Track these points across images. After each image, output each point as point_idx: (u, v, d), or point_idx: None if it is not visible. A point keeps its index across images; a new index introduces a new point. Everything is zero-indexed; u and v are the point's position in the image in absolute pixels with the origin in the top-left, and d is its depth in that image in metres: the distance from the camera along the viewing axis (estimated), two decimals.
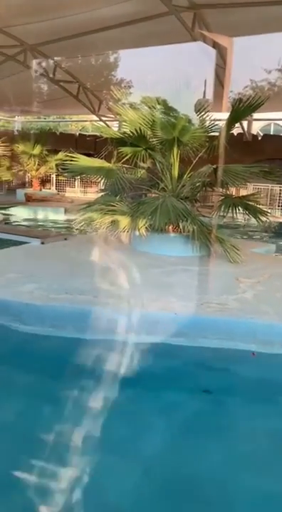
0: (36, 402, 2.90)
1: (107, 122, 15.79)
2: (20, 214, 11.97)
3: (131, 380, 3.10)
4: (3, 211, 11.29)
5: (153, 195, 6.53)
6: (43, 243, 6.86)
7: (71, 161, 6.91)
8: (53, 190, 16.58)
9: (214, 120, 6.59)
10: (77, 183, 16.52)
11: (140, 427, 2.71)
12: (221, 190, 6.63)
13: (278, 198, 12.91)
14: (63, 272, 4.96)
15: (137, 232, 5.95)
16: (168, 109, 6.41)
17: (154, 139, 6.45)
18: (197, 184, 6.50)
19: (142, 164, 6.72)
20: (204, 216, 6.40)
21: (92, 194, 13.31)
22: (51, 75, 14.25)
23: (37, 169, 15.72)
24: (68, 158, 7.06)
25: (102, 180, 7.12)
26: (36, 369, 3.35)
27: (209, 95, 9.35)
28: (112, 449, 2.43)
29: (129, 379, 3.10)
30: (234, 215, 6.30)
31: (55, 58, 13.73)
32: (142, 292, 4.24)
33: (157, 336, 3.69)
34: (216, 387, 3.23)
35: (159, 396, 3.11)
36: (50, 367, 3.33)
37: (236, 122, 6.72)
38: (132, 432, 2.63)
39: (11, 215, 11.70)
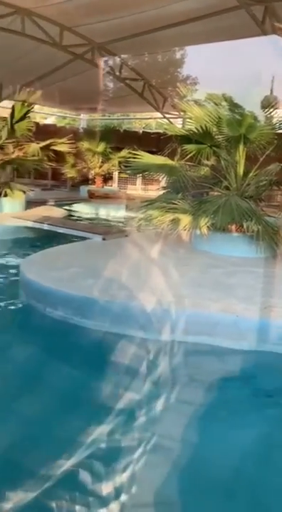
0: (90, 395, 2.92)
1: (170, 119, 15.72)
2: (83, 210, 12.24)
3: (188, 383, 3.04)
4: (66, 207, 11.59)
5: (216, 193, 6.40)
6: (104, 239, 6.96)
7: (134, 158, 6.94)
8: (115, 187, 16.80)
9: None
10: (138, 180, 16.62)
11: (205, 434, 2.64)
12: None
13: None
14: (123, 269, 4.98)
15: (198, 231, 5.85)
16: (233, 106, 6.23)
17: (219, 136, 6.31)
18: (263, 183, 6.28)
19: (205, 162, 6.60)
20: (269, 216, 6.17)
21: (153, 192, 13.32)
22: (117, 73, 14.40)
23: (100, 166, 15.98)
24: (131, 155, 7.10)
25: (165, 178, 7.10)
26: (96, 364, 3.38)
27: (278, 91, 8.99)
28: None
29: (185, 381, 3.04)
30: None
31: (122, 56, 13.86)
32: (202, 292, 4.16)
33: (216, 337, 3.60)
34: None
35: (218, 399, 3.03)
36: (109, 363, 3.34)
37: None
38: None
39: (74, 211, 11.99)
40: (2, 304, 4.65)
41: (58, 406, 2.71)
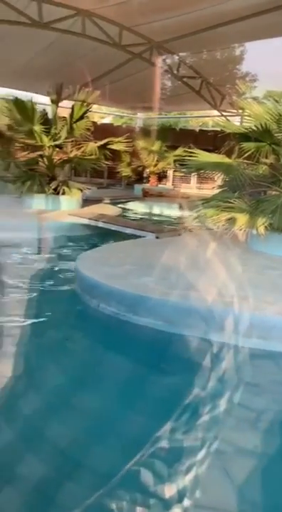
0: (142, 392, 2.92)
1: (227, 117, 15.46)
2: (137, 208, 12.32)
3: (245, 387, 2.97)
4: (121, 205, 11.72)
5: (274, 192, 6.21)
6: (157, 237, 6.96)
7: (190, 156, 6.88)
8: (169, 185, 16.77)
9: None
10: (193, 179, 16.50)
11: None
12: None
13: None
14: (177, 267, 4.95)
15: (254, 231, 5.71)
16: None
17: (279, 134, 6.11)
18: None
19: (264, 160, 6.42)
20: None
21: (208, 190, 13.15)
22: (175, 71, 14.35)
23: (155, 165, 16.03)
24: (186, 153, 7.04)
25: (221, 176, 6.99)
26: (146, 361, 3.39)
27: None
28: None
29: (242, 384, 2.97)
30: None
31: (180, 54, 13.79)
32: (258, 294, 4.04)
33: (271, 341, 3.49)
34: None
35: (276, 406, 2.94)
36: (161, 361, 3.34)
37: None
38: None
39: (128, 209, 12.10)
40: (59, 298, 4.77)
41: (118, 401, 2.73)
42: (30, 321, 3.95)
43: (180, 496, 1.63)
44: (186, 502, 1.64)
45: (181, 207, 11.88)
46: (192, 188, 16.44)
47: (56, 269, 5.89)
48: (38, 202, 9.27)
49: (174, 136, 16.20)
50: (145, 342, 3.67)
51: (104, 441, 1.92)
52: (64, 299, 4.80)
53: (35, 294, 4.74)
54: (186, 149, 7.27)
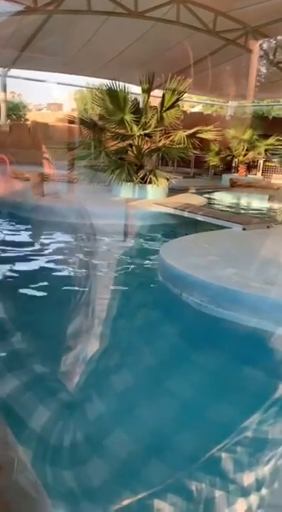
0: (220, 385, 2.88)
1: None
2: (223, 199, 12.08)
3: None
4: (207, 195, 11.56)
5: None
6: (244, 229, 6.77)
7: None
8: (259, 176, 16.19)
9: None
10: None
11: None
12: None
13: None
14: (263, 261, 4.79)
15: None
16: None
17: None
18: None
19: None
20: None
21: None
22: (271, 57, 13.75)
23: (245, 154, 15.55)
24: (279, 143, 6.74)
25: None
26: (228, 354, 3.33)
27: None
28: None
29: None
30: None
31: (278, 38, 13.17)
32: None
33: None
34: None
35: None
36: (244, 355, 3.26)
37: None
38: None
39: (214, 199, 11.90)
40: (142, 285, 4.86)
41: (205, 390, 2.73)
42: (114, 305, 4.08)
43: (258, 486, 1.60)
44: (264, 491, 1.61)
45: (271, 198, 11.43)
46: None
47: (140, 256, 6.00)
48: (126, 190, 9.47)
49: (266, 125, 15.53)
50: (228, 334, 3.60)
51: (192, 425, 1.94)
52: (146, 287, 4.87)
53: (119, 280, 4.87)
54: (280, 138, 6.96)
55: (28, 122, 18.18)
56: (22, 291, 4.30)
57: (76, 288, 4.44)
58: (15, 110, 24.53)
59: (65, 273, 5.15)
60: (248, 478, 1.61)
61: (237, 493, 1.48)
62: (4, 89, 15.76)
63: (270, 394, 2.69)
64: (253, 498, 1.53)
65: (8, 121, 16.81)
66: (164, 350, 3.19)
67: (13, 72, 15.37)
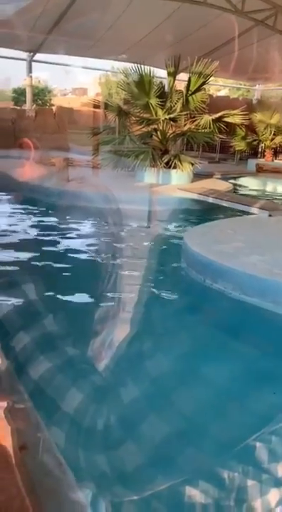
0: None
1: None
2: (249, 184, 11.89)
3: None
4: (232, 181, 11.40)
5: None
6: (270, 215, 6.66)
7: None
8: None
9: None
10: None
11: None
12: None
13: None
14: None
15: None
16: None
17: None
18: None
19: None
20: None
21: None
22: None
23: (272, 139, 15.21)
24: None
25: None
26: (253, 341, 3.31)
27: None
28: None
29: None
30: None
31: None
32: None
33: None
34: None
35: None
36: (268, 342, 3.24)
37: None
38: None
39: (240, 185, 11.73)
40: (165, 271, 4.86)
41: (237, 378, 2.71)
42: (136, 289, 4.09)
43: None
44: None
45: None
46: None
47: (164, 242, 5.98)
48: (150, 176, 9.41)
49: None
50: (253, 322, 3.58)
51: (226, 413, 1.92)
52: (170, 272, 4.86)
53: (143, 266, 4.87)
54: None
55: (53, 107, 18.19)
56: (49, 274, 4.36)
57: (101, 272, 4.48)
58: (40, 95, 24.59)
59: (90, 258, 5.19)
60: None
61: (270, 483, 1.46)
62: (30, 74, 15.78)
63: None
64: None
65: (34, 106, 16.85)
66: (187, 337, 3.19)
67: (39, 56, 15.36)
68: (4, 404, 1.11)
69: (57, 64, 16.92)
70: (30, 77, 15.70)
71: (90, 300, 3.45)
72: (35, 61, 15.48)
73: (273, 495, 1.39)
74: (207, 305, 4.00)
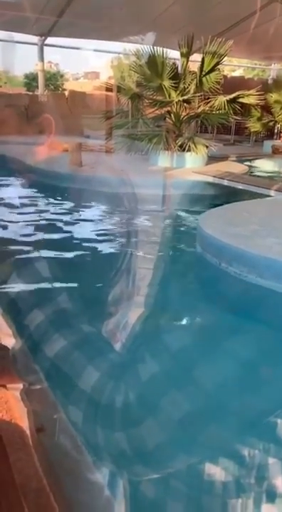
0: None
1: None
2: (265, 166, 11.71)
3: None
4: (248, 163, 11.23)
5: None
6: None
7: None
8: None
9: None
10: None
11: None
12: None
13: None
14: None
15: None
16: None
17: None
18: None
19: None
20: None
21: None
22: None
23: None
24: None
25: None
26: (268, 322, 3.28)
27: None
28: None
29: None
30: None
31: None
32: None
33: None
34: None
35: None
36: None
37: None
38: None
39: (255, 167, 11.56)
40: (180, 254, 4.83)
41: (260, 360, 2.70)
42: (150, 273, 4.09)
43: None
44: None
45: None
46: None
47: (178, 226, 5.94)
48: (164, 159, 9.33)
49: None
50: (268, 305, 3.54)
51: (250, 390, 1.92)
52: (185, 257, 4.84)
53: (158, 250, 4.86)
54: None
55: (65, 92, 18.09)
56: (63, 255, 4.38)
57: (115, 256, 4.47)
58: (52, 80, 24.47)
59: (103, 241, 5.19)
60: None
61: None
62: (42, 59, 15.69)
63: None
64: None
65: (46, 91, 16.79)
66: (204, 320, 3.18)
67: (50, 40, 15.24)
68: (20, 385, 1.11)
69: (68, 48, 16.77)
70: (42, 61, 15.60)
71: (104, 282, 3.46)
72: (46, 45, 15.37)
73: None
74: (222, 288, 3.97)
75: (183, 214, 6.50)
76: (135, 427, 0.77)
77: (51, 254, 4.35)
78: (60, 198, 6.95)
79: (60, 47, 16.54)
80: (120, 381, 0.80)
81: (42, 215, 6.17)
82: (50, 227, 5.54)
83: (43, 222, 5.84)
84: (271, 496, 0.93)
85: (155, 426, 0.78)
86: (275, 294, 3.58)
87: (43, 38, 14.99)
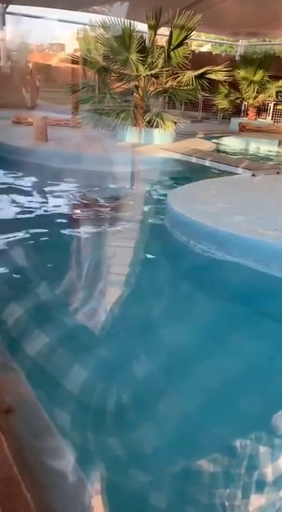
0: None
1: None
2: (232, 144, 11.76)
3: None
4: (215, 140, 11.24)
5: None
6: (254, 175, 6.62)
7: None
8: (269, 120, 15.66)
9: None
10: None
11: None
12: None
13: None
14: (273, 207, 4.71)
15: None
16: None
17: None
18: None
19: None
20: None
21: None
22: None
23: (255, 97, 14.96)
24: None
25: None
26: (235, 299, 3.34)
27: None
28: None
29: None
30: None
31: None
32: None
33: None
34: None
35: None
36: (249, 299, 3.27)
37: None
38: None
39: (223, 144, 11.58)
40: (149, 233, 4.80)
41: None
42: (119, 252, 4.06)
43: None
44: None
45: (281, 144, 11.10)
46: None
47: (146, 203, 5.90)
48: (131, 135, 9.19)
49: (278, 65, 14.81)
50: (236, 281, 3.59)
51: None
52: (153, 234, 4.81)
53: (125, 227, 4.82)
54: None
55: (29, 64, 17.41)
56: (27, 238, 4.28)
57: (81, 236, 4.41)
58: (16, 51, 23.47)
59: (69, 221, 5.10)
60: None
61: None
62: (3, 27, 14.98)
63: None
64: None
65: (9, 62, 16.10)
66: (172, 298, 3.20)
67: (12, 8, 14.55)
68: None
69: (32, 16, 16.06)
70: (3, 30, 14.93)
71: (70, 263, 3.40)
72: (8, 13, 14.69)
73: None
74: (190, 266, 3.99)
75: (151, 191, 6.45)
76: (103, 404, 0.76)
77: (14, 236, 4.22)
78: (21, 174, 6.72)
79: (23, 15, 15.81)
80: (88, 360, 0.79)
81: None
82: (9, 205, 5.37)
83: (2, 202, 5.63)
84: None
85: (126, 403, 0.77)
86: (244, 269, 3.64)
87: (5, 5, 14.29)
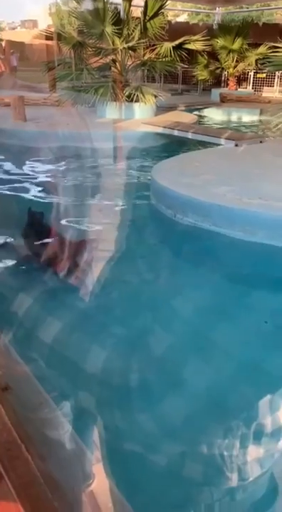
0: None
1: None
2: (214, 115, 11.66)
3: None
4: (197, 112, 11.13)
5: None
6: (236, 145, 6.60)
7: (275, 53, 6.21)
8: (250, 89, 15.52)
9: None
10: (276, 81, 15.06)
11: None
12: None
13: None
14: (257, 176, 4.70)
15: None
16: None
17: None
18: None
19: None
20: None
21: None
22: None
23: (235, 66, 14.78)
24: (271, 51, 6.36)
25: None
26: (222, 269, 3.36)
27: None
28: None
29: None
30: None
31: None
32: None
33: None
34: None
35: None
36: (237, 269, 3.30)
37: None
38: None
39: (204, 116, 11.48)
40: (134, 208, 4.78)
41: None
42: (105, 229, 4.04)
43: None
44: None
45: (262, 112, 11.04)
46: (275, 92, 15.06)
47: (130, 179, 5.85)
48: (112, 111, 9.05)
49: (256, 33, 14.57)
50: (221, 250, 3.62)
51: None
52: (139, 210, 4.79)
53: (111, 204, 4.78)
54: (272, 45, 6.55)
55: (2, 42, 16.89)
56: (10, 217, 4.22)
57: (67, 213, 4.37)
58: None
59: (54, 199, 5.04)
60: None
61: None
62: None
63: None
64: None
65: None
66: (162, 269, 3.21)
67: None
68: None
69: None
70: None
71: (57, 237, 3.38)
72: None
73: None
74: (178, 239, 4.00)
75: (135, 166, 6.39)
76: (99, 375, 0.77)
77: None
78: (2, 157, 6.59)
79: None
80: (85, 330, 0.79)
81: None
82: None
83: None
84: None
85: (122, 373, 0.78)
86: (230, 239, 3.66)
87: None
